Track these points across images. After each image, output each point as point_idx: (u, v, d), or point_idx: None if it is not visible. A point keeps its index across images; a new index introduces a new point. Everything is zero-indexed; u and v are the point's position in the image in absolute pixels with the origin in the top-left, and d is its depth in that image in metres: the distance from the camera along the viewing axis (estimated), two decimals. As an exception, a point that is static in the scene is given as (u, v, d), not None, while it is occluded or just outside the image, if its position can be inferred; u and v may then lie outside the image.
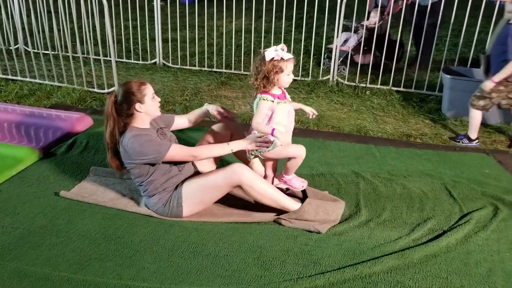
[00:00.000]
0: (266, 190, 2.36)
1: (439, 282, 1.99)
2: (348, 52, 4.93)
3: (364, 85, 4.74)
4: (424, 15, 4.54)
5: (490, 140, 3.65)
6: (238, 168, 2.32)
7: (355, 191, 2.74)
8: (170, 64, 5.34)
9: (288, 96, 2.45)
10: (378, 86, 4.73)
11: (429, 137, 3.67)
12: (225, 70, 5.15)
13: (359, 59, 5.03)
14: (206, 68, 5.21)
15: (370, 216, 2.48)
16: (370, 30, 4.94)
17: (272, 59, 2.27)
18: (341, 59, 4.93)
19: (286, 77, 2.33)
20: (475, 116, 3.48)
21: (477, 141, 3.54)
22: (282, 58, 2.27)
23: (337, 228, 2.36)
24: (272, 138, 2.30)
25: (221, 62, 5.28)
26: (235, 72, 5.11)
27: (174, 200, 2.38)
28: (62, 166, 2.97)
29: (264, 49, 2.34)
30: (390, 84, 4.69)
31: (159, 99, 2.40)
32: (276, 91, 2.38)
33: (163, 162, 2.30)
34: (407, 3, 4.83)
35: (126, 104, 2.28)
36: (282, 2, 4.76)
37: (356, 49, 5.05)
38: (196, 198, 2.38)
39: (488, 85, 3.34)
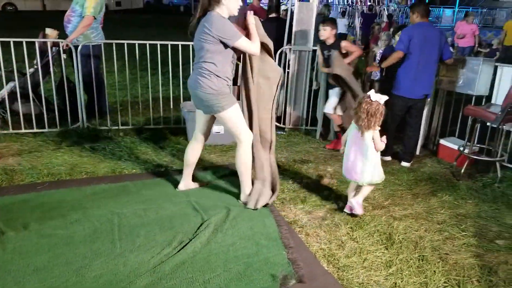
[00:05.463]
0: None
1: (186, 282, 2.36)
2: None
3: (116, 127, 4.97)
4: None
5: (226, 156, 4.43)
6: None
7: (110, 228, 2.89)
8: None
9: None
10: (131, 127, 5.04)
11: (179, 164, 4.17)
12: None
13: (19, 107, 4.75)
14: None
15: (125, 246, 2.68)
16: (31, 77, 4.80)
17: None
18: None
19: None
20: None
21: None
22: None
23: (93, 268, 2.45)
24: None
25: None
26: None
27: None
28: None
29: None
30: (141, 123, 5.08)
31: (240, 3, 3.03)
32: None
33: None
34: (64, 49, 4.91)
35: None
36: None
37: (13, 97, 4.78)
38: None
39: None
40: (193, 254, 2.63)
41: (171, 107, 5.14)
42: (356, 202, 3.22)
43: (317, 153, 4.67)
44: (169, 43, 5.00)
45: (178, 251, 2.64)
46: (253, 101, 3.28)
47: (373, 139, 3.09)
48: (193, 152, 3.45)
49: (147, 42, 4.94)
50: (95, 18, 5.01)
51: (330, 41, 4.63)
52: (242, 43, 2.95)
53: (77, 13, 5.02)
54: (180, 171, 3.97)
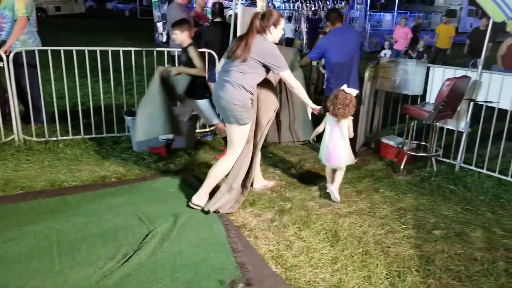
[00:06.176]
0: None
1: (130, 295, 2.28)
2: None
3: (55, 138, 4.73)
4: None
5: (173, 163, 4.35)
6: None
7: (48, 245, 2.74)
8: None
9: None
10: (71, 137, 4.82)
11: (123, 174, 4.04)
12: None
13: None
14: None
15: (64, 263, 2.55)
16: None
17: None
18: None
19: None
20: None
21: None
22: None
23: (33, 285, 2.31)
24: None
25: None
26: None
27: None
28: None
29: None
30: (82, 133, 4.86)
31: (283, 33, 3.31)
32: None
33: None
34: None
35: (266, 20, 3.14)
36: None
37: None
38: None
39: None
40: (138, 266, 2.55)
41: (114, 115, 4.97)
42: (334, 189, 3.62)
43: (266, 155, 4.71)
44: (109, 49, 4.84)
45: (122, 264, 2.55)
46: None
47: (348, 127, 3.54)
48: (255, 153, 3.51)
49: (86, 48, 4.75)
50: (29, 19, 4.78)
51: (185, 43, 4.10)
52: (287, 74, 3.21)
53: (8, 18, 4.75)
54: (126, 181, 3.85)
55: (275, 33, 3.23)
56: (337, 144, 3.53)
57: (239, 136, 3.21)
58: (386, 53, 10.66)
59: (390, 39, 12.21)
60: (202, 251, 2.73)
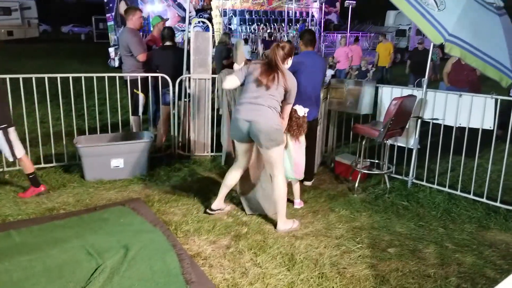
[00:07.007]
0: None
1: None
2: None
3: (1, 169, 4.47)
4: None
5: (126, 192, 4.21)
6: None
7: (-14, 288, 2.55)
8: None
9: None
10: (18, 167, 4.57)
11: (72, 205, 3.86)
12: None
13: None
14: None
15: (2, 307, 2.37)
16: None
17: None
18: None
19: None
20: None
21: None
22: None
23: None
24: None
25: None
26: None
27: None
28: None
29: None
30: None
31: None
32: None
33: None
34: None
35: (287, 53, 3.39)
36: None
37: None
38: None
39: None
40: (86, 304, 2.41)
41: (64, 142, 4.78)
42: (299, 203, 4.03)
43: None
44: (58, 75, 4.69)
45: (68, 304, 2.40)
46: None
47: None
48: (235, 176, 3.71)
49: (33, 76, 4.57)
50: None
51: None
52: (289, 108, 3.54)
53: None
54: (75, 213, 3.68)
55: (290, 62, 3.54)
56: (300, 156, 3.83)
57: (280, 155, 3.44)
58: (327, 73, 10.91)
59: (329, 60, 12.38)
60: (153, 285, 2.62)
